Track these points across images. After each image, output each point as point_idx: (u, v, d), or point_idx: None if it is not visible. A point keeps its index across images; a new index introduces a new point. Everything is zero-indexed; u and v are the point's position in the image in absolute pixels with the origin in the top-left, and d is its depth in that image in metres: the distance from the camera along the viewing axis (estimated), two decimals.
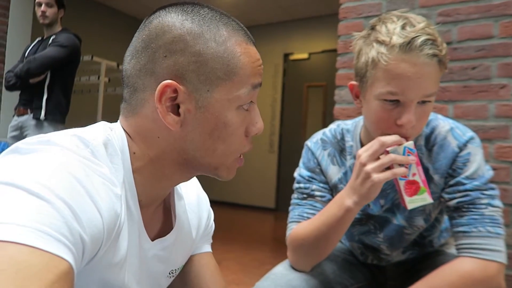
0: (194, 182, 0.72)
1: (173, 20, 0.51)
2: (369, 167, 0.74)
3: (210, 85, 0.50)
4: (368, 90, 0.78)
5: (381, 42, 0.74)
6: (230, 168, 0.57)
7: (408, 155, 0.76)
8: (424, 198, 0.77)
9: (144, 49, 0.51)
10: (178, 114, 0.51)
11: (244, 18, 5.41)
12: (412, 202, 0.77)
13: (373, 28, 0.79)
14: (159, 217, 0.62)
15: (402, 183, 0.77)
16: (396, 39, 0.72)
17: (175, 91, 0.50)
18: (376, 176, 0.74)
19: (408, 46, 0.72)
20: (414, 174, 0.77)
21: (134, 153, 0.53)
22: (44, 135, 0.46)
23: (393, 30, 0.73)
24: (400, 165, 0.75)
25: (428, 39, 0.72)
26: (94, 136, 0.49)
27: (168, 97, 0.50)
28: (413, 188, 0.77)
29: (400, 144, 0.76)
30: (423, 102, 0.75)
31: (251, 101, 0.55)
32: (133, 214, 0.52)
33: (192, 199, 0.69)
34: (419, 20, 0.75)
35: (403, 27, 0.73)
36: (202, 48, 0.50)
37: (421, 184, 0.77)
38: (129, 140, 0.53)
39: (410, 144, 0.76)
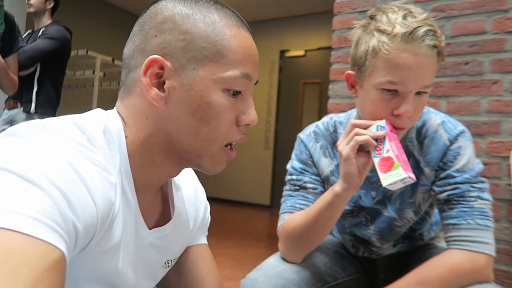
0: (191, 175, 0.72)
1: (166, 3, 0.53)
2: (341, 146, 0.77)
3: (196, 64, 0.50)
4: (367, 79, 0.78)
5: (382, 31, 0.74)
6: (216, 158, 0.54)
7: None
8: (398, 173, 0.70)
9: (139, 31, 0.54)
10: (163, 91, 0.51)
11: (240, 14, 5.38)
12: (386, 178, 0.72)
13: (372, 17, 0.78)
14: (157, 208, 0.61)
15: (376, 161, 0.75)
16: (399, 29, 0.72)
17: (162, 68, 0.50)
18: (344, 149, 0.76)
19: (410, 36, 0.71)
20: (388, 151, 0.74)
21: (127, 137, 0.52)
22: (40, 120, 0.45)
23: (395, 20, 0.73)
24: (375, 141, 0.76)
25: (430, 30, 0.72)
26: (90, 123, 0.49)
27: (155, 73, 0.50)
28: (388, 164, 0.73)
29: (370, 125, 0.77)
30: (420, 93, 0.76)
31: (241, 91, 0.53)
32: (130, 201, 0.52)
33: (190, 191, 0.69)
34: (419, 11, 0.75)
35: (404, 17, 0.73)
36: (190, 27, 0.51)
37: (395, 160, 0.72)
38: (124, 125, 0.53)
39: (381, 122, 0.76)
